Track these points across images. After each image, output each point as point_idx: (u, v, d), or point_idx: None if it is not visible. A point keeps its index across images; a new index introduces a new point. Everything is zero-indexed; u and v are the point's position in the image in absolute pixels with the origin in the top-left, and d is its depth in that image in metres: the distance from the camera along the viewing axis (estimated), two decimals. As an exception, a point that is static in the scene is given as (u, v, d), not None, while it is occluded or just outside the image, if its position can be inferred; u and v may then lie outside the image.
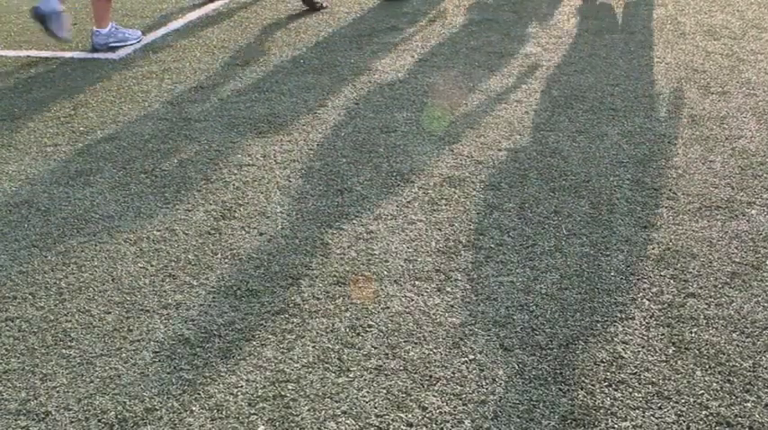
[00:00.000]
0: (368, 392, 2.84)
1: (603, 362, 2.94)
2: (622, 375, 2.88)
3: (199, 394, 2.86)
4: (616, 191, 4.09)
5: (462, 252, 3.62)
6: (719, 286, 3.34)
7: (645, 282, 3.38)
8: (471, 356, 2.99)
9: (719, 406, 2.74)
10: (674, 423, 2.68)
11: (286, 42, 6.60)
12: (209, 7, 7.61)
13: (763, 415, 2.70)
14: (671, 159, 4.42)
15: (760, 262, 3.50)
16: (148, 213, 4.04)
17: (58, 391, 2.89)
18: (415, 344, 3.07)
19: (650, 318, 3.17)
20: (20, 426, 2.75)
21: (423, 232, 3.79)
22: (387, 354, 3.02)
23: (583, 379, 2.87)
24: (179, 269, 3.57)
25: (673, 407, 2.74)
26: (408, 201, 4.06)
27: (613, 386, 2.83)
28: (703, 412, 2.71)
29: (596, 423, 2.69)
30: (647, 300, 3.28)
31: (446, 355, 3.00)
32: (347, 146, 4.69)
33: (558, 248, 3.63)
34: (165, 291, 3.42)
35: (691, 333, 3.08)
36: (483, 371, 2.92)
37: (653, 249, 3.60)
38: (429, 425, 2.70)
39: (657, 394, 2.79)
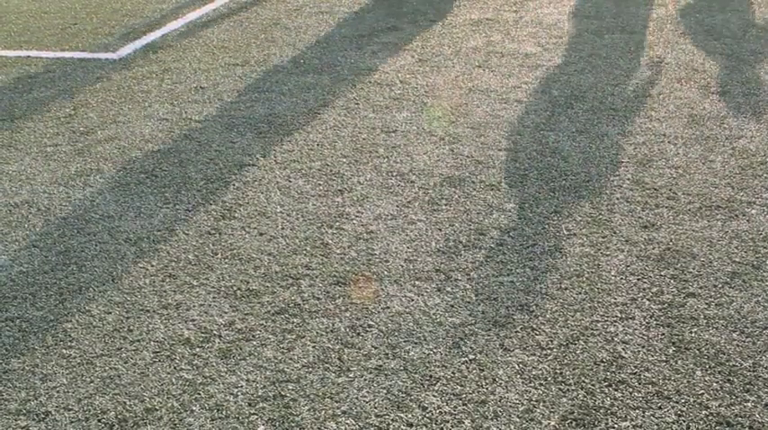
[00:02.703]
0: (368, 392, 2.84)
1: (603, 362, 2.94)
2: (622, 375, 2.88)
3: (199, 394, 2.86)
4: (616, 191, 4.10)
5: (462, 252, 3.62)
6: (720, 286, 3.34)
7: (645, 282, 3.38)
8: (471, 356, 2.99)
9: (719, 405, 2.74)
10: (674, 423, 2.68)
11: (286, 42, 6.60)
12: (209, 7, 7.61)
13: (763, 414, 2.70)
14: (671, 159, 4.42)
15: (760, 262, 3.50)
16: (148, 213, 4.04)
17: (58, 391, 2.89)
18: (416, 344, 3.07)
19: (650, 317, 3.17)
20: (20, 426, 2.75)
21: (423, 232, 3.79)
22: (387, 354, 3.02)
23: (583, 379, 2.87)
24: (179, 269, 3.57)
25: (673, 407, 2.73)
26: (408, 202, 4.06)
27: (613, 386, 2.83)
28: (703, 412, 2.71)
29: (596, 423, 2.69)
30: (648, 299, 3.28)
31: (446, 355, 3.00)
32: (347, 146, 4.69)
33: (558, 248, 3.63)
34: (165, 291, 3.42)
35: (691, 333, 3.08)
36: (483, 370, 2.92)
37: (653, 249, 3.60)
38: (429, 425, 2.70)
39: (657, 394, 2.79)
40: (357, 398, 2.82)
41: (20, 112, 5.35)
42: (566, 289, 3.35)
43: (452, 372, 2.92)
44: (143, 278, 3.52)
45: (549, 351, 3.01)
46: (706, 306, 3.22)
